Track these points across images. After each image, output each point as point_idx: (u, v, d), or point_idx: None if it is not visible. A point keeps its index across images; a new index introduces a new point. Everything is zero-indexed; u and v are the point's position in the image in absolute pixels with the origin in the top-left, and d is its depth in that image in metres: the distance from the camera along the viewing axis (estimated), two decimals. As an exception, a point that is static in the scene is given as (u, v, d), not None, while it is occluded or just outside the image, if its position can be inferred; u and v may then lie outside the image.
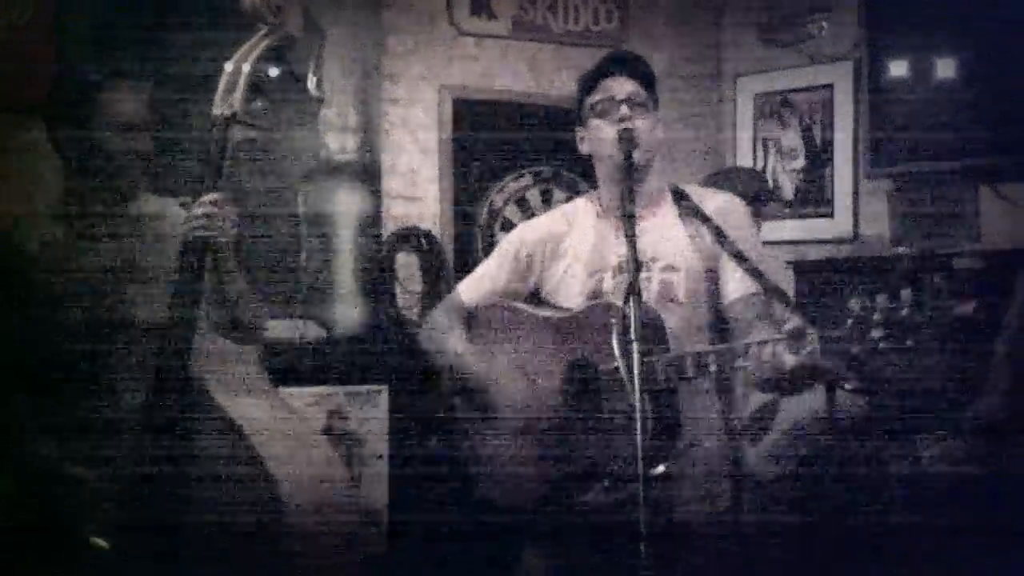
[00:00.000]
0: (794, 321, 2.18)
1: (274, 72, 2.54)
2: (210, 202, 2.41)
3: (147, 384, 2.40)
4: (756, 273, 2.37)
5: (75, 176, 2.56)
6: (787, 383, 2.22)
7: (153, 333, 2.43)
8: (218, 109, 2.46)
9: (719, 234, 2.44)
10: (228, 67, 2.49)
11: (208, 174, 2.45)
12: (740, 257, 2.40)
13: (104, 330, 2.49)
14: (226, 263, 2.47)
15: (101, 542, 2.35)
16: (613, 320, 2.18)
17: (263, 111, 2.52)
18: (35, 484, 2.45)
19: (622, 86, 2.47)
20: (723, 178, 3.60)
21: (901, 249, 4.36)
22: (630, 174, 2.39)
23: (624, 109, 2.44)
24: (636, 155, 2.42)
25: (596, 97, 2.49)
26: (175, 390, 2.38)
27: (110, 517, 2.37)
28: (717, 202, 2.53)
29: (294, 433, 2.55)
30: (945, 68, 4.26)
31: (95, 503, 2.38)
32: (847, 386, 3.38)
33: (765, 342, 2.19)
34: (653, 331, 2.28)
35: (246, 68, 2.47)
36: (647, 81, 2.51)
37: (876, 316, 2.05)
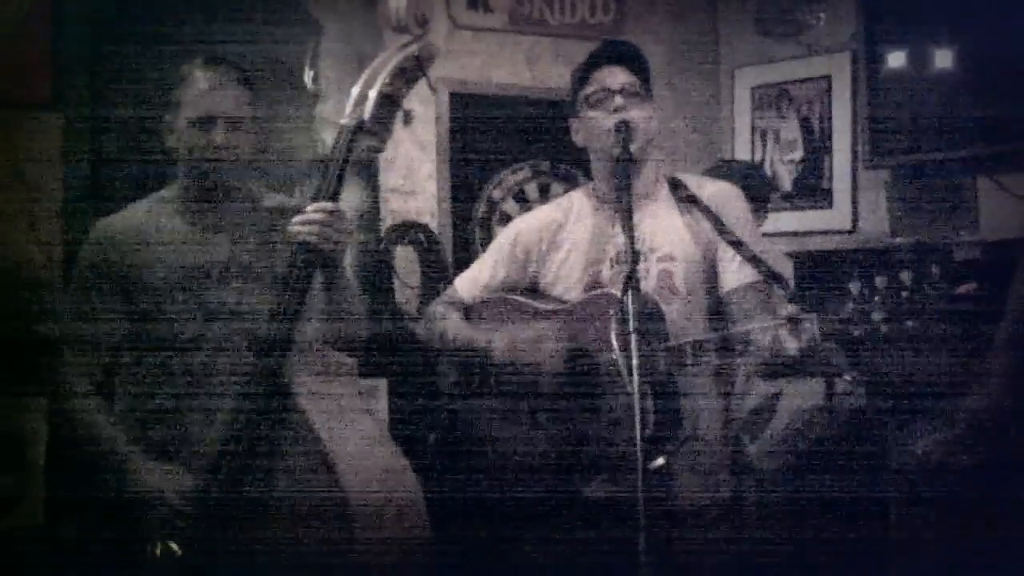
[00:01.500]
0: (793, 307, 2.18)
1: (410, 85, 2.44)
2: (327, 210, 2.31)
3: (238, 387, 2.32)
4: (754, 260, 2.37)
5: (180, 171, 2.49)
6: (788, 369, 2.22)
7: (253, 331, 2.34)
8: (345, 120, 2.37)
9: (716, 222, 2.43)
10: (362, 78, 2.40)
11: (327, 180, 2.34)
12: (738, 245, 2.39)
13: (203, 328, 2.43)
14: (336, 272, 2.39)
15: (173, 546, 2.32)
16: (612, 312, 2.18)
17: (392, 124, 2.40)
18: (105, 484, 2.41)
19: (616, 76, 2.46)
20: (720, 172, 3.60)
21: (900, 240, 4.36)
22: (626, 166, 2.38)
23: (619, 99, 2.43)
24: (633, 147, 2.41)
25: (590, 88, 2.48)
26: (267, 393, 2.30)
27: (184, 523, 2.33)
28: (713, 190, 2.53)
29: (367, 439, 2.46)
30: (943, 58, 4.25)
31: (171, 512, 2.33)
32: (846, 377, 3.38)
33: (765, 328, 2.18)
34: (652, 321, 2.28)
35: (382, 79, 2.38)
36: (641, 70, 2.50)
37: (876, 299, 2.05)
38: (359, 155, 2.38)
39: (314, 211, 2.30)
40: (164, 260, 2.46)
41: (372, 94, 2.36)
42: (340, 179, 2.35)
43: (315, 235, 2.29)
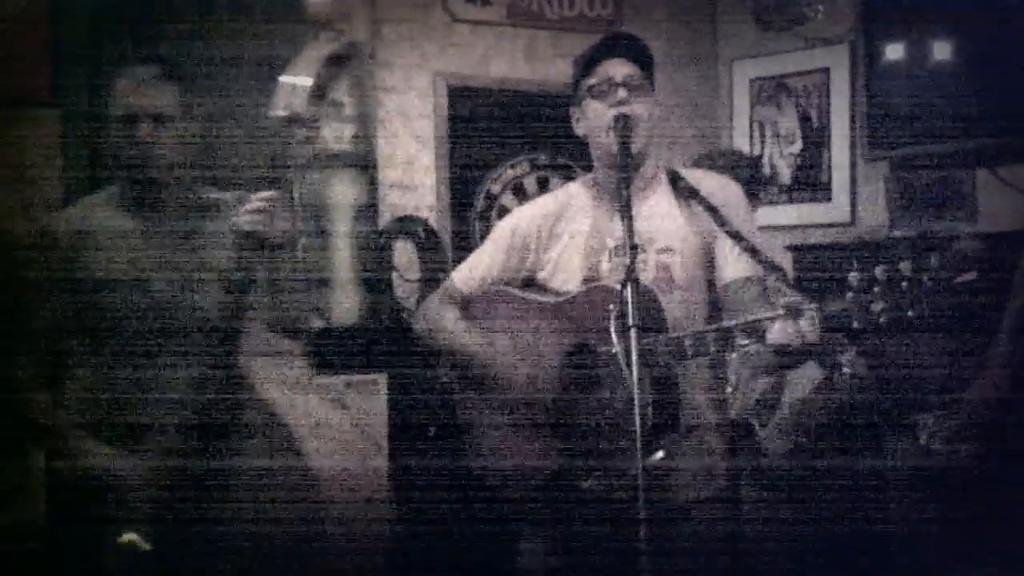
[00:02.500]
0: (792, 297, 2.17)
1: (337, 77, 2.53)
2: (267, 198, 2.42)
3: (194, 374, 2.41)
4: (753, 251, 2.36)
5: (121, 169, 2.56)
6: (789, 359, 2.21)
7: (203, 325, 2.45)
8: (278, 112, 2.44)
9: (715, 214, 2.43)
10: (291, 71, 2.47)
11: (266, 171, 2.46)
12: (737, 237, 2.39)
13: (155, 321, 2.51)
14: (279, 258, 2.48)
15: (138, 539, 2.36)
16: (611, 306, 2.18)
17: (323, 115, 2.51)
18: (75, 479, 2.46)
19: (619, 69, 2.45)
20: (712, 160, 3.59)
21: (899, 232, 4.36)
22: (627, 160, 2.38)
23: (622, 92, 2.43)
24: (634, 144, 2.41)
25: (593, 80, 2.47)
26: (221, 379, 2.39)
27: (149, 513, 2.38)
28: (713, 184, 2.53)
29: (329, 422, 2.56)
30: (941, 51, 4.25)
31: (135, 500, 2.40)
32: (845, 370, 3.38)
33: (765, 319, 2.18)
34: (651, 314, 2.27)
35: (310, 73, 2.46)
36: (645, 63, 2.49)
37: (876, 289, 2.04)
38: (294, 146, 2.46)
39: (257, 199, 2.42)
40: (108, 257, 2.52)
41: (301, 87, 2.46)
42: (277, 167, 2.45)
43: (259, 223, 2.39)
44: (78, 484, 2.44)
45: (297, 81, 2.46)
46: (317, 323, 4.24)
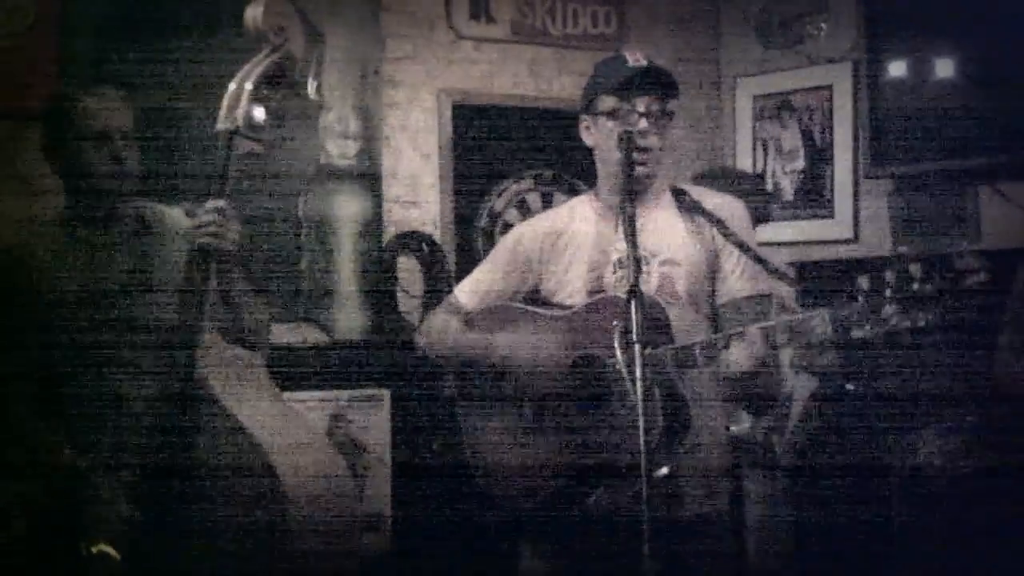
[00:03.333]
0: (798, 312, 2.17)
1: (276, 89, 2.60)
2: (215, 210, 2.45)
3: (154, 390, 2.42)
4: (758, 262, 2.37)
5: (73, 186, 2.60)
6: (799, 368, 2.19)
7: (159, 339, 2.47)
8: (221, 125, 2.52)
9: (720, 226, 2.43)
10: (231, 85, 2.55)
11: (213, 184, 2.50)
12: (742, 248, 2.39)
13: (110, 337, 2.51)
14: (231, 270, 2.52)
15: (109, 550, 2.37)
16: (616, 323, 2.18)
17: (266, 125, 2.58)
18: (40, 490, 2.47)
19: (647, 103, 2.42)
20: (715, 178, 3.60)
21: (902, 249, 4.36)
22: (628, 173, 2.37)
23: (643, 124, 2.41)
24: (645, 167, 2.42)
25: (617, 104, 2.44)
26: (181, 396, 2.40)
27: (116, 522, 2.39)
28: (716, 201, 2.53)
29: (299, 437, 2.57)
30: (944, 68, 4.26)
31: (101, 508, 2.40)
32: (849, 386, 3.38)
33: (773, 327, 2.18)
34: (656, 326, 2.27)
35: (248, 86, 2.54)
36: (670, 97, 2.47)
37: (887, 292, 2.03)
38: (240, 158, 2.53)
39: (204, 213, 2.46)
40: (58, 278, 2.55)
41: (243, 100, 2.53)
42: (224, 180, 2.50)
43: (209, 235, 2.44)
44: (47, 498, 2.45)
45: (236, 94, 2.53)
46: (319, 337, 4.24)
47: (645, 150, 2.41)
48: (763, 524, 3.30)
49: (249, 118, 2.52)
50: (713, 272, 2.47)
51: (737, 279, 2.46)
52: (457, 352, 2.61)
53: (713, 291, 2.48)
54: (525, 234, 2.67)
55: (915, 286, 2.00)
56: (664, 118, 2.45)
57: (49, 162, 2.62)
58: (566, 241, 2.58)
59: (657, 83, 2.44)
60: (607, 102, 2.46)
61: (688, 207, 2.50)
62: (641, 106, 2.42)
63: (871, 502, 3.55)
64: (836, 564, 3.57)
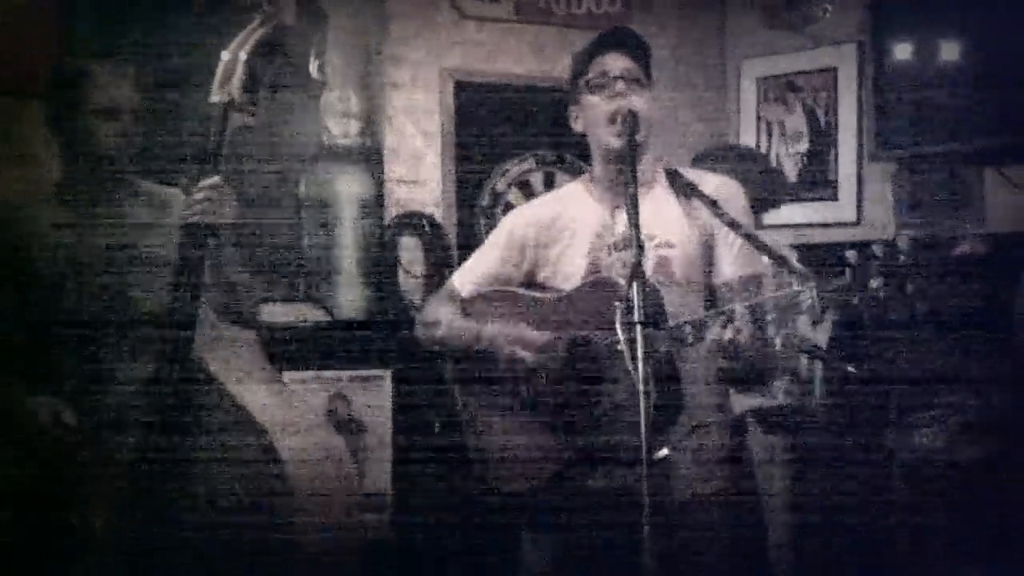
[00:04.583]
0: (793, 289, 2.18)
1: (270, 60, 2.58)
2: (209, 187, 2.44)
3: (150, 368, 2.41)
4: (752, 240, 2.36)
5: (72, 160, 2.58)
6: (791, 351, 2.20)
7: (155, 317, 2.44)
8: (215, 97, 2.51)
9: (714, 207, 2.43)
10: (224, 55, 2.54)
11: (207, 160, 2.49)
12: (734, 228, 2.39)
13: (106, 313, 2.50)
14: (224, 247, 2.51)
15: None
16: (617, 304, 2.17)
17: (260, 99, 2.56)
18: (35, 471, 2.46)
19: (616, 63, 2.46)
20: (717, 156, 3.58)
21: (905, 232, 4.35)
22: (632, 155, 2.37)
23: (620, 85, 2.44)
24: (639, 137, 2.41)
25: (590, 74, 2.48)
26: (178, 374, 2.38)
27: (113, 503, 2.38)
28: (713, 183, 2.52)
29: (299, 417, 2.56)
30: (949, 50, 4.23)
31: (97, 490, 2.39)
32: (850, 368, 3.37)
33: (766, 302, 2.18)
34: (653, 308, 2.27)
35: (242, 56, 2.52)
36: (642, 56, 2.50)
37: (875, 264, 2.03)
38: (235, 131, 2.53)
39: (198, 190, 2.46)
40: (51, 248, 2.55)
41: (237, 71, 2.52)
42: (218, 156, 2.50)
43: (202, 211, 2.44)
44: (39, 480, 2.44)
45: (230, 66, 2.52)
46: (320, 317, 4.24)
47: (634, 116, 2.40)
48: (766, 504, 3.30)
49: (243, 91, 2.51)
50: (709, 254, 2.47)
51: (735, 258, 2.45)
52: (454, 337, 2.61)
53: (709, 273, 2.48)
54: (520, 220, 2.67)
55: (901, 258, 2.01)
56: (642, 79, 2.47)
57: (54, 136, 2.60)
58: (562, 227, 2.57)
59: (624, 43, 2.48)
60: (584, 78, 2.49)
61: (683, 189, 2.50)
62: (616, 69, 2.44)
63: (872, 484, 3.56)
64: (837, 547, 3.57)
